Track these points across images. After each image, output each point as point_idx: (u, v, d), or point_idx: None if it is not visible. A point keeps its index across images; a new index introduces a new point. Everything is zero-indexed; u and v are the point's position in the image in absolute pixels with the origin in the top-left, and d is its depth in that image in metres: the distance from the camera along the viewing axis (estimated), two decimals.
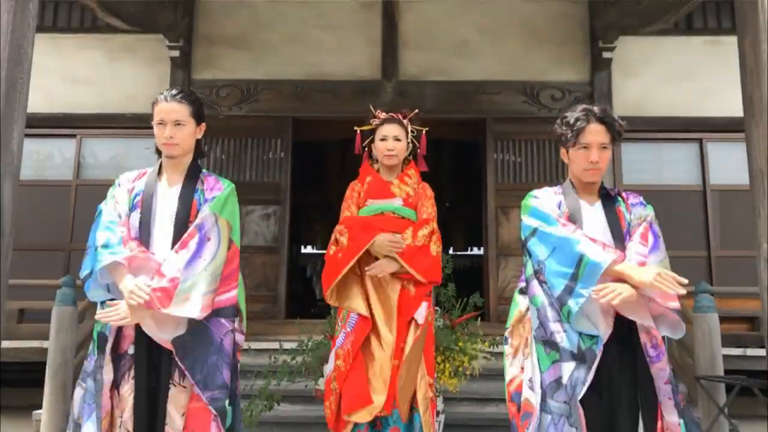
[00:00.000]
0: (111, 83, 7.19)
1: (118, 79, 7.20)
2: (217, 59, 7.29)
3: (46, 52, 6.76)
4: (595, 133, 2.46)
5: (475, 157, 8.19)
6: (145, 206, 2.53)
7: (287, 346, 4.49)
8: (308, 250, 13.74)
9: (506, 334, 2.54)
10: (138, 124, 7.04)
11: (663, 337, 2.37)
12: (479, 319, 4.53)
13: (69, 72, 7.19)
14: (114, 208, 2.54)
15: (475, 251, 12.28)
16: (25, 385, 5.76)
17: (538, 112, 7.15)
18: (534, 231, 2.44)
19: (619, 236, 2.42)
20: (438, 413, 3.64)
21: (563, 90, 7.18)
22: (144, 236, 2.48)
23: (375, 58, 7.30)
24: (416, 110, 3.17)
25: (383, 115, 3.12)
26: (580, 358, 2.24)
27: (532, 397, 2.33)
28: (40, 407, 4.71)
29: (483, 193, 7.37)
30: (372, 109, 3.19)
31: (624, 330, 2.33)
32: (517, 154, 7.20)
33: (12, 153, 3.75)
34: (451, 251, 11.57)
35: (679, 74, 6.99)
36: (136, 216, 2.53)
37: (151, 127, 2.79)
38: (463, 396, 4.53)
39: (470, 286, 7.18)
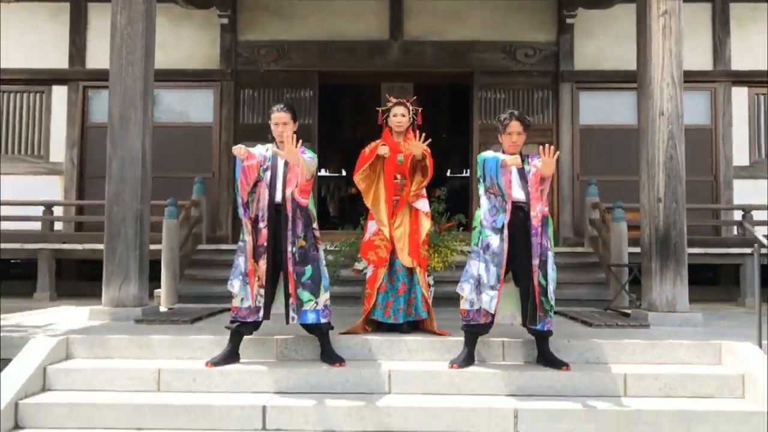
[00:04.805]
0: (174, 45, 8.96)
1: (179, 41, 8.98)
2: (258, 24, 9.05)
3: None
4: (515, 125, 4.41)
5: (466, 98, 10.04)
6: (272, 168, 4.44)
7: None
8: (322, 173, 15.71)
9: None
10: (197, 77, 8.95)
11: (543, 224, 4.36)
12: (461, 228, 6.56)
13: None
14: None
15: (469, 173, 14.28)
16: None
17: (515, 66, 9.00)
18: (484, 161, 4.42)
19: (525, 179, 4.40)
20: (429, 285, 5.68)
21: (535, 49, 8.98)
22: (273, 182, 4.41)
23: (384, 22, 9.06)
24: (415, 97, 5.11)
25: (394, 100, 5.04)
26: (499, 231, 4.29)
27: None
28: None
29: (470, 130, 9.29)
30: (387, 96, 5.12)
31: (522, 215, 4.33)
32: (497, 99, 9.07)
33: (148, 116, 5.72)
34: (448, 173, 13.63)
35: (628, 37, 8.67)
36: (268, 173, 4.40)
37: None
38: (447, 279, 6.52)
39: (464, 201, 9.26)
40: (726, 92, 8.98)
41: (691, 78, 8.21)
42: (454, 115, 12.18)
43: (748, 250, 7.31)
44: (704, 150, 8.88)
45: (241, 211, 4.36)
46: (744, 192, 8.83)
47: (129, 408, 4.00)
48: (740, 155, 8.98)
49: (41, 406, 4.02)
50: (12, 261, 9.02)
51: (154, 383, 4.26)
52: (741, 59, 8.98)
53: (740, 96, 9.03)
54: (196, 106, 9.04)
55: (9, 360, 4.30)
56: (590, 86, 9.00)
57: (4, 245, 8.07)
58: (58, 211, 8.77)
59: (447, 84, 11.02)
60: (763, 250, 4.80)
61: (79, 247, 8.19)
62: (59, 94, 9.10)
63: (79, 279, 9.12)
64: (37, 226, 8.45)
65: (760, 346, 4.47)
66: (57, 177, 9.06)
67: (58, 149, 9.07)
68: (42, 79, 9.07)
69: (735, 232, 8.71)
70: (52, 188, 9.01)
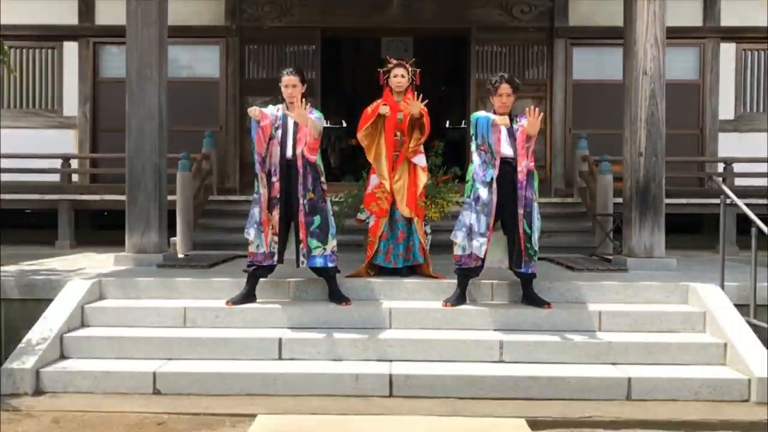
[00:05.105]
0: (180, 2, 9.16)
1: None
2: None
3: None
4: (505, 88, 4.79)
5: (464, 52, 10.33)
6: (284, 127, 4.85)
7: None
8: (324, 124, 16.03)
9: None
10: (203, 33, 9.23)
11: (529, 178, 4.79)
12: (457, 180, 6.98)
13: None
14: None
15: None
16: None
17: (511, 22, 9.29)
18: (477, 120, 4.85)
19: (513, 136, 4.81)
20: (426, 234, 6.15)
21: (530, 5, 9.26)
22: (284, 140, 4.82)
23: None
24: (414, 59, 5.45)
25: (394, 61, 5.41)
26: (488, 185, 4.73)
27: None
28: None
29: (468, 84, 9.63)
30: (388, 59, 5.49)
31: (510, 170, 4.77)
32: (494, 54, 9.38)
33: (164, 73, 6.09)
34: (447, 124, 14.01)
35: None
36: (280, 132, 4.82)
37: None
38: (443, 228, 6.98)
39: (461, 153, 9.63)
40: (714, 48, 9.30)
41: (681, 34, 8.60)
42: (452, 68, 12.46)
43: (727, 201, 7.75)
44: (692, 104, 9.26)
45: (258, 166, 4.80)
46: (729, 144, 9.23)
47: (159, 341, 4.53)
48: (726, 109, 9.35)
49: (82, 339, 4.55)
50: (26, 211, 9.46)
51: (181, 320, 4.78)
52: (730, 16, 9.25)
53: (728, 52, 9.34)
54: (202, 62, 9.37)
55: (51, 300, 4.82)
56: (583, 42, 9.30)
57: (25, 196, 8.54)
58: (74, 163, 9.18)
59: (446, 38, 11.27)
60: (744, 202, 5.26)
61: (96, 197, 8.65)
62: (70, 49, 9.40)
63: (93, 228, 9.61)
64: (54, 177, 8.88)
65: (722, 287, 4.98)
66: (71, 131, 9.44)
67: (71, 103, 9.43)
68: (53, 35, 9.36)
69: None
70: (66, 141, 9.40)
